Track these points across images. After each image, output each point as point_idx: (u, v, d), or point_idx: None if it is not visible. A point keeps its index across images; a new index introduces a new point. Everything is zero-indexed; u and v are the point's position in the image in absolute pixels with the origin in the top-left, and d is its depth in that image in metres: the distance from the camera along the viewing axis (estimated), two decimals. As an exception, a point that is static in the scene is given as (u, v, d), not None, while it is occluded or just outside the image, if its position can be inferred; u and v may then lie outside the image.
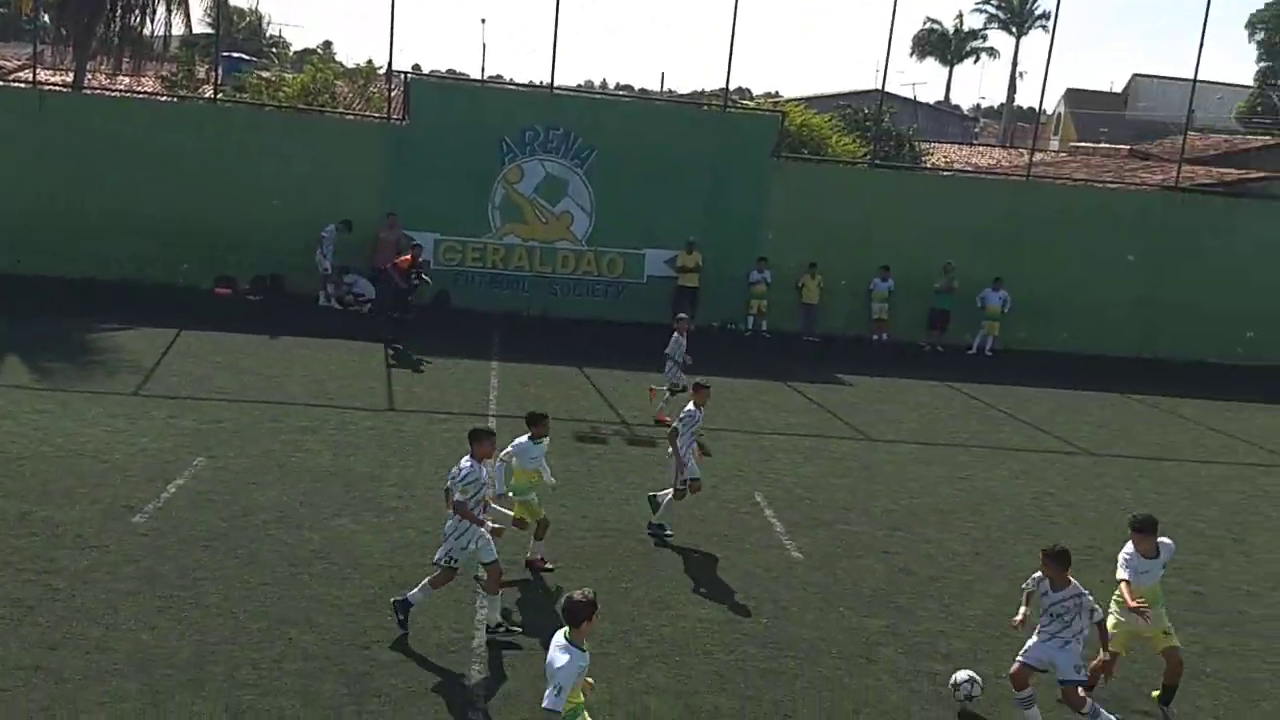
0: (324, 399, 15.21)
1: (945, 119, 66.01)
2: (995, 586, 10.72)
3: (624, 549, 10.81)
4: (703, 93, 55.27)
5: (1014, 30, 69.83)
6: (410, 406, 15.34)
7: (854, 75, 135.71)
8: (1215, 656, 9.63)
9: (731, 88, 25.53)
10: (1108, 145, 46.43)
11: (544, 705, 6.05)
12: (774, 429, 15.94)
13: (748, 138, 23.44)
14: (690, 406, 11.48)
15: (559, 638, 6.22)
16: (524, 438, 10.03)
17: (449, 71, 49.30)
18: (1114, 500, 13.93)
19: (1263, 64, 67.99)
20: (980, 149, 46.15)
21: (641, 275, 23.26)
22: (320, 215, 21.44)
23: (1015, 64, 68.59)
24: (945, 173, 29.17)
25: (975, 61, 76.75)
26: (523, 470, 10.00)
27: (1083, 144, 50.51)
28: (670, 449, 11.31)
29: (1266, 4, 65.44)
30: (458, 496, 8.63)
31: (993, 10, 71.43)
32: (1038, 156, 28.35)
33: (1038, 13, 67.49)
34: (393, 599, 8.85)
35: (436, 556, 8.85)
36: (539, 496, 10.23)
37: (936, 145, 41.94)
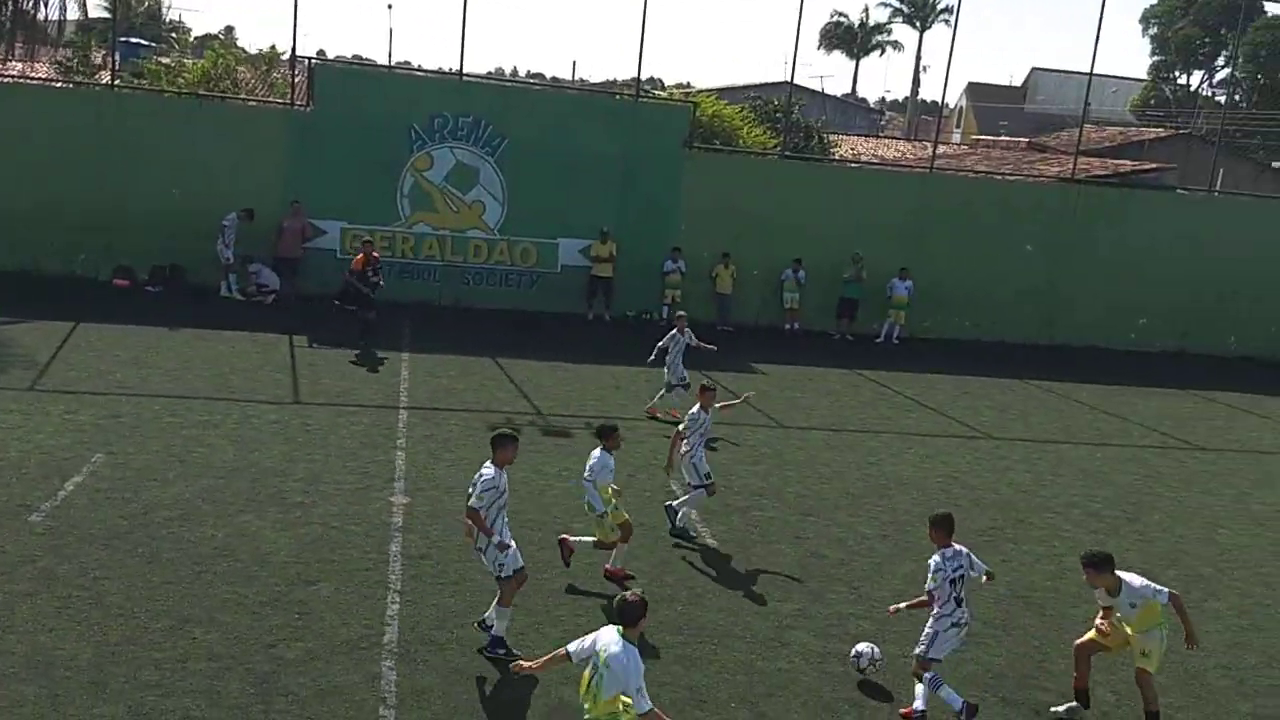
0: (226, 392, 14.83)
1: (852, 111, 67.21)
2: (903, 567, 10.97)
3: (539, 540, 10.77)
4: (615, 82, 55.38)
5: (917, 24, 71.30)
6: (317, 399, 15.05)
7: (764, 67, 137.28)
8: (1111, 631, 9.98)
9: (644, 78, 25.58)
10: (1008, 138, 47.73)
11: (642, 711, 6.16)
12: (687, 417, 16.01)
13: (660, 128, 23.49)
14: (695, 409, 11.60)
15: (613, 637, 6.27)
16: (598, 451, 9.98)
17: (355, 57, 48.39)
18: (1014, 483, 14.36)
19: (1155, 58, 70.76)
20: (886, 141, 47.06)
21: (555, 265, 23.17)
22: (221, 204, 20.84)
23: (919, 58, 70.06)
24: (853, 165, 29.62)
25: (881, 55, 78.41)
26: (603, 485, 9.93)
27: (983, 137, 51.81)
28: (679, 451, 11.37)
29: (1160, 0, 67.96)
30: (473, 503, 8.38)
31: (897, 4, 72.81)
32: (941, 149, 28.99)
33: (940, 7, 68.96)
34: (485, 653, 8.42)
35: (491, 570, 8.58)
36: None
37: (844, 137, 42.62)
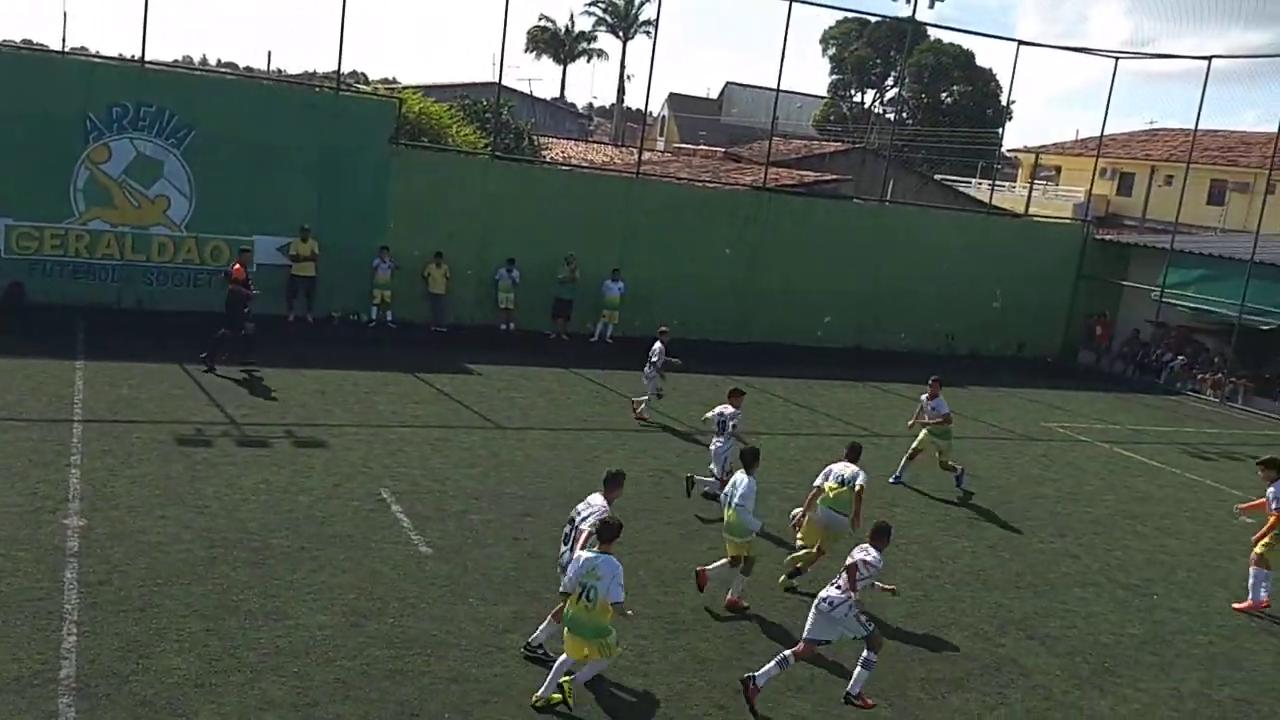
0: None
1: (562, 115, 68.16)
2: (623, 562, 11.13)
3: (234, 559, 10.07)
4: (314, 74, 52.99)
5: (621, 34, 73.27)
6: (-27, 415, 13.36)
7: (472, 67, 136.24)
8: (808, 610, 10.60)
9: (346, 71, 24.63)
10: (706, 147, 50.10)
11: (617, 599, 8.00)
12: (401, 421, 15.58)
13: (364, 123, 22.70)
14: (730, 408, 13.80)
15: (592, 554, 8.17)
16: (743, 475, 10.53)
17: (24, 41, 43.51)
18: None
19: (834, 76, 76.47)
20: (595, 145, 48.08)
21: (252, 264, 21.81)
22: None
23: (623, 67, 71.97)
24: (564, 167, 30.00)
25: (588, 61, 79.68)
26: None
27: (684, 145, 54.13)
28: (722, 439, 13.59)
29: (837, 21, 73.54)
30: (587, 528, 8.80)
31: (600, 14, 74.49)
32: (646, 155, 29.87)
33: (642, 19, 71.24)
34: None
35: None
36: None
37: (555, 140, 43.12)
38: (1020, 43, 29.97)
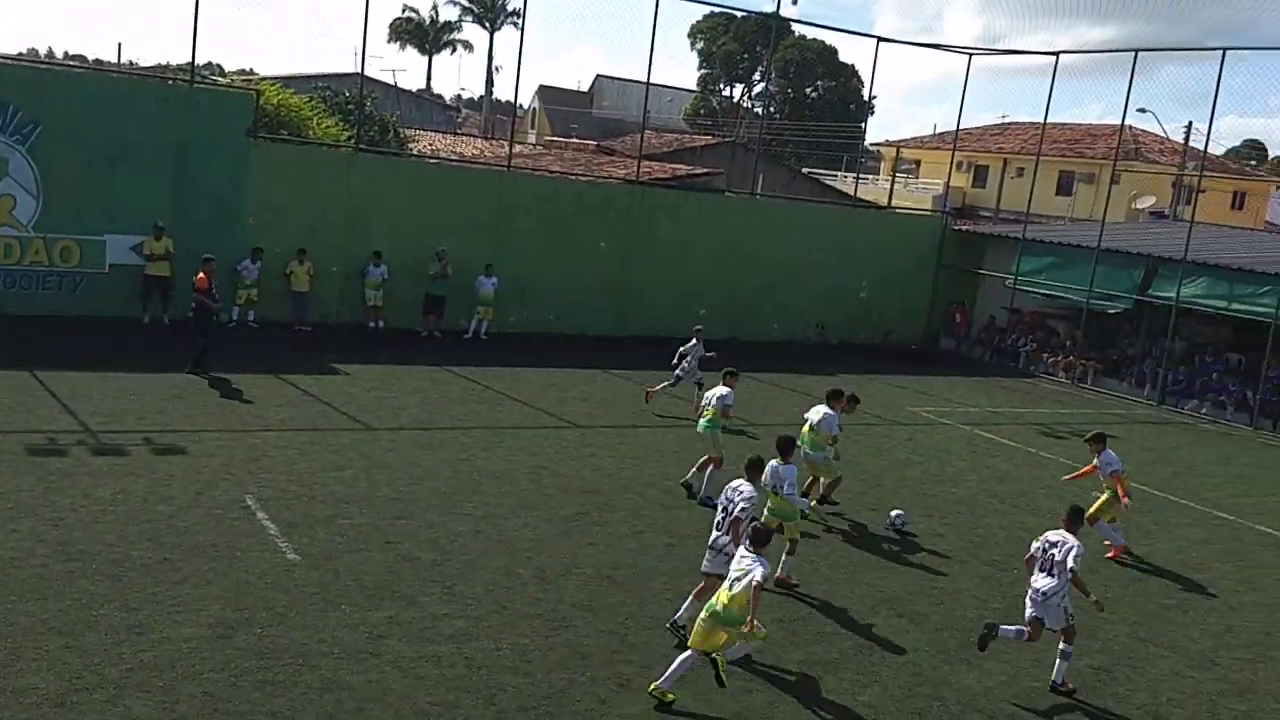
0: None
1: (428, 107, 67.08)
2: (496, 561, 11.05)
3: (92, 572, 9.58)
4: (168, 66, 50.88)
5: (488, 25, 72.54)
6: None
7: (333, 57, 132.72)
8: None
9: (200, 63, 23.69)
10: (578, 140, 50.02)
11: (760, 578, 8.45)
12: (265, 425, 15.08)
13: (220, 116, 21.87)
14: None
15: (746, 553, 8.66)
16: (780, 463, 11.21)
17: None
18: (598, 468, 15.02)
19: (703, 70, 77.33)
20: (464, 139, 47.49)
21: (103, 264, 20.87)
22: None
23: (491, 58, 71.28)
24: (432, 160, 29.52)
25: (453, 53, 78.63)
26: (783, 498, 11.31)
27: (556, 138, 53.92)
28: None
29: (704, 16, 74.32)
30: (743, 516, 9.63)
31: (466, 4, 73.57)
32: (517, 149, 29.66)
33: (510, 9, 70.62)
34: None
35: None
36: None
37: (421, 132, 42.42)
38: (880, 39, 30.97)
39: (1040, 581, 9.75)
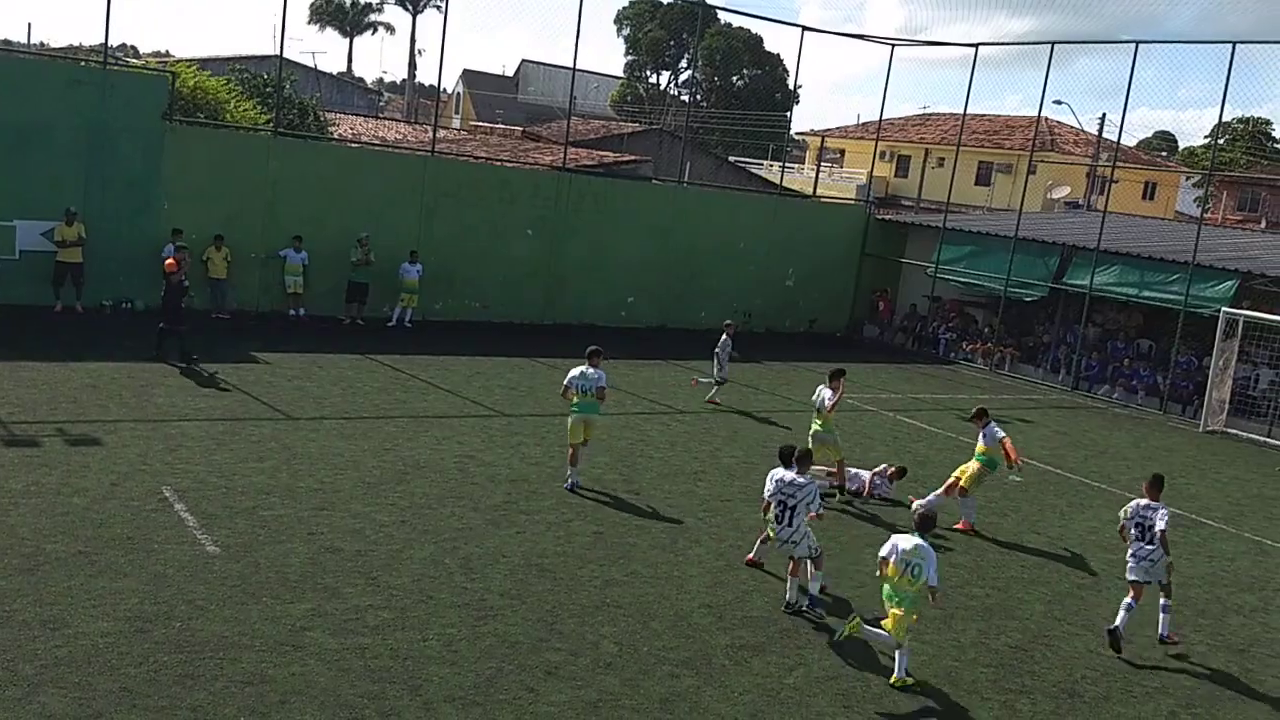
0: None
1: (349, 91, 65.88)
2: (422, 551, 10.96)
3: (4, 567, 9.28)
4: (80, 48, 49.22)
5: (410, 7, 71.52)
6: None
7: (250, 39, 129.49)
8: (614, 587, 10.75)
9: (114, 44, 22.97)
10: (504, 126, 49.58)
11: (934, 583, 9.40)
12: (181, 415, 14.73)
13: (134, 99, 21.25)
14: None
15: (916, 540, 9.59)
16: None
17: None
18: (526, 457, 14.97)
19: (629, 57, 77.22)
20: (387, 123, 46.74)
21: (13, 250, 20.18)
22: None
23: (413, 41, 70.33)
24: (354, 144, 29.04)
25: (374, 34, 77.46)
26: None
27: (481, 124, 53.38)
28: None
29: (630, 2, 74.18)
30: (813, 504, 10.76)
31: (388, -15, 72.47)
32: (441, 133, 29.33)
33: (433, -10, 69.69)
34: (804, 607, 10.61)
35: (799, 554, 10.73)
36: None
37: (343, 116, 41.66)
38: (804, 28, 31.17)
39: (1140, 548, 10.92)
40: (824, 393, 15.04)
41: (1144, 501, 11.07)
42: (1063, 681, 9.98)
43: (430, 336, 23.00)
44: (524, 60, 74.71)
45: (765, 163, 52.77)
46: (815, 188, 35.48)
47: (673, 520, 13.08)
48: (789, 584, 10.81)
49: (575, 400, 13.76)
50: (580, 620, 9.83)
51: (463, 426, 16.22)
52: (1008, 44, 59.30)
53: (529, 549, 11.47)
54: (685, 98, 68.95)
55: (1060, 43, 28.87)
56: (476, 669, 8.67)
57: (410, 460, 14.08)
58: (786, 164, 41.28)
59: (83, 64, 23.88)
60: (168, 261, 17.82)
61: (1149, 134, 71.98)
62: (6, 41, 55.04)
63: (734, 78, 73.82)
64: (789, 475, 10.84)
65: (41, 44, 54.98)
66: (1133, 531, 11.03)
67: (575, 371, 13.89)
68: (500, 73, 75.91)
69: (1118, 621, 10.75)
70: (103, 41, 21.88)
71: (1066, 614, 11.67)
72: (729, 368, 19.99)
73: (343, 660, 8.51)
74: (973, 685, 9.66)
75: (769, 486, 10.94)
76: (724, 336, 19.82)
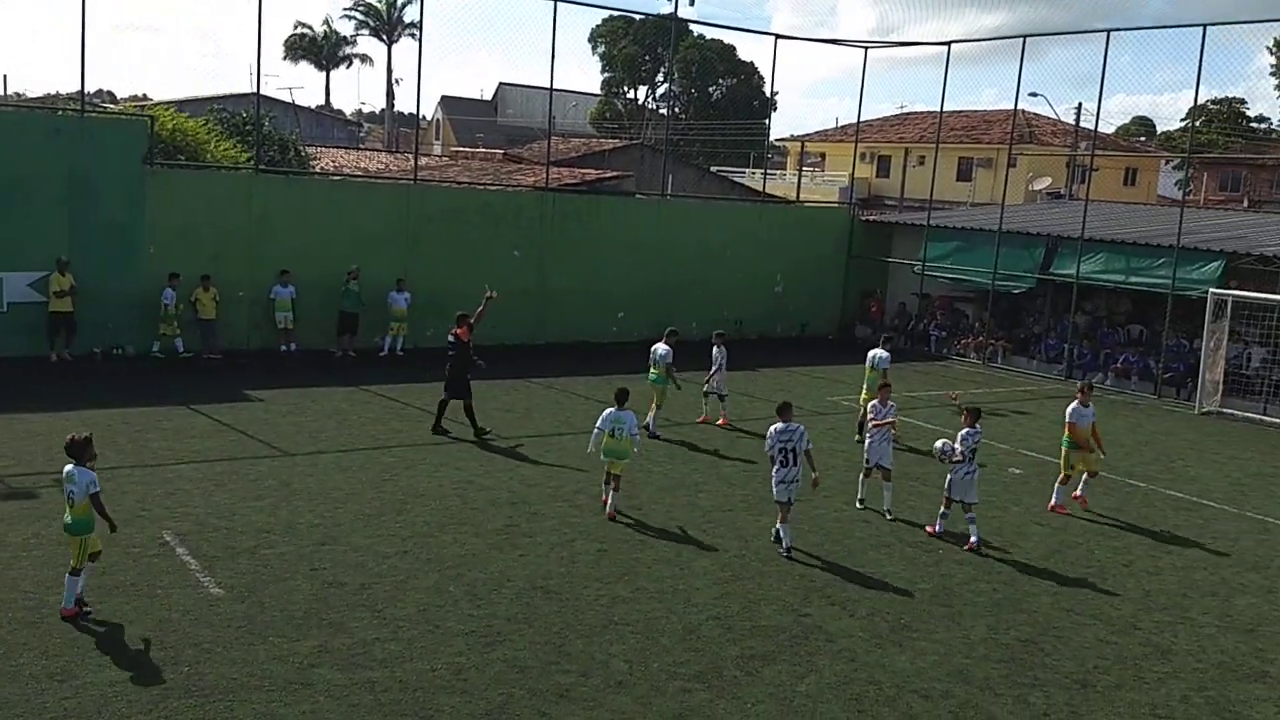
0: None
1: (329, 123, 66.01)
2: (426, 580, 10.92)
3: (8, 621, 9.25)
4: (58, 96, 49.19)
5: (385, 37, 71.72)
6: None
7: (227, 78, 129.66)
8: (621, 605, 10.71)
9: (91, 90, 23.01)
10: (484, 149, 49.72)
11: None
12: (178, 458, 14.70)
13: (114, 145, 21.27)
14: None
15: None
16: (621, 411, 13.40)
17: None
18: (524, 478, 14.94)
19: (606, 74, 77.50)
20: (368, 153, 46.88)
21: (1, 304, 20.16)
22: None
23: (390, 70, 70.55)
24: (336, 177, 29.08)
25: (349, 67, 77.59)
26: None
27: (462, 148, 53.51)
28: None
29: (603, 20, 74.47)
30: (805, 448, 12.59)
31: (361, 17, 72.62)
32: (422, 161, 29.37)
33: (406, 20, 69.90)
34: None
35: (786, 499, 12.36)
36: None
37: (324, 149, 41.75)
38: (777, 36, 31.37)
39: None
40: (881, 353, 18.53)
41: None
42: (1075, 672, 9.97)
43: (422, 363, 22.94)
44: (501, 83, 74.99)
45: (747, 170, 52.94)
46: (798, 192, 35.58)
47: (676, 533, 13.07)
48: (782, 529, 12.60)
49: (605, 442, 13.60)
50: (589, 640, 9.80)
51: (460, 452, 16.19)
52: (981, 40, 59.54)
53: (533, 571, 11.45)
54: (664, 111, 69.15)
55: (1032, 35, 29.07)
56: (487, 696, 8.64)
57: (409, 489, 14.06)
58: (768, 170, 41.38)
59: (61, 113, 23.92)
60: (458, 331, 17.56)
61: (1127, 120, 72.32)
62: (-18, 94, 55.04)
63: (711, 88, 74.11)
64: (781, 425, 12.53)
65: (17, 94, 54.97)
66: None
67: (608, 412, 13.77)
68: (479, 97, 76.11)
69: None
70: (79, 89, 21.90)
71: (1074, 604, 11.67)
72: (721, 378, 19.54)
73: (352, 695, 8.48)
74: (985, 681, 9.64)
75: (769, 441, 12.55)
76: (715, 350, 19.36)
